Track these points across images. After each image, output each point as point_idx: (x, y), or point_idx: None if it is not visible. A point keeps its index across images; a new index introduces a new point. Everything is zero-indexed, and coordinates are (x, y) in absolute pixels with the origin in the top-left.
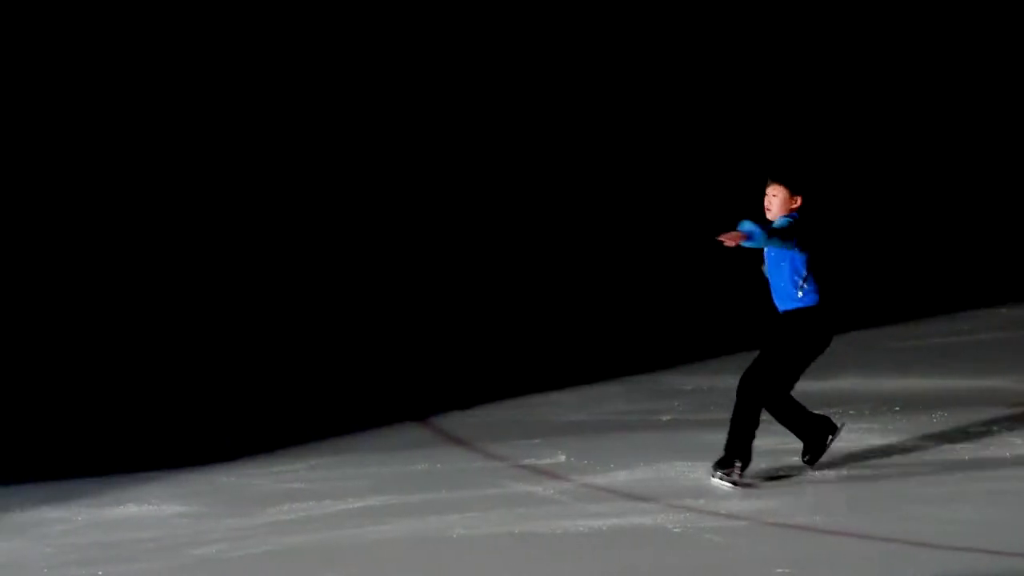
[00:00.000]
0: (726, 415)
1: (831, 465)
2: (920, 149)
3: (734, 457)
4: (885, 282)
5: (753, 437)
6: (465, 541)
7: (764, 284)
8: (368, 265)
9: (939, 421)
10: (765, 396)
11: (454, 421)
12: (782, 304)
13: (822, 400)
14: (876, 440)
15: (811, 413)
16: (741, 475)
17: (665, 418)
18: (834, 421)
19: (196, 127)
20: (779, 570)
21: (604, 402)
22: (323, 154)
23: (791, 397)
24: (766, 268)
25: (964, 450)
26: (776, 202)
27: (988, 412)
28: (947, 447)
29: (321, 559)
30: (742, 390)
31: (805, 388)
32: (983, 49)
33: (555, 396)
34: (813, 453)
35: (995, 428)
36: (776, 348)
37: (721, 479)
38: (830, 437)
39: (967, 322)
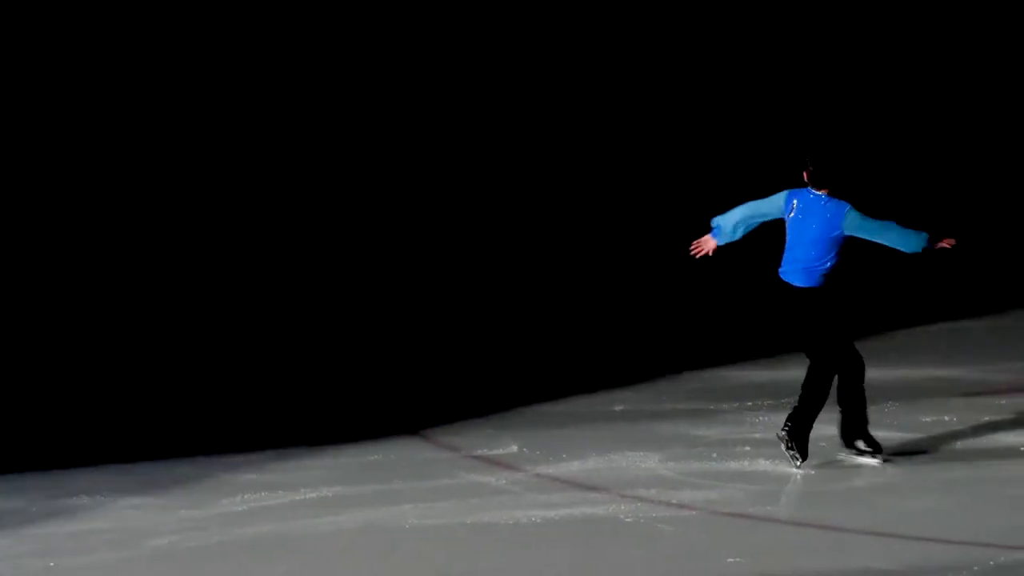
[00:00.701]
0: (678, 405)
1: (783, 455)
2: (882, 150)
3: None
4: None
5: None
6: (418, 531)
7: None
8: (330, 263)
9: (894, 411)
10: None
11: (408, 412)
12: (800, 280)
13: (778, 390)
14: (830, 430)
15: (867, 419)
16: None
17: (618, 408)
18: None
19: (193, 127)
20: (731, 559)
21: (556, 393)
22: (304, 176)
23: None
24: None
25: (917, 439)
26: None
27: (943, 401)
28: (900, 437)
29: (275, 550)
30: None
31: (761, 378)
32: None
33: (508, 387)
34: (872, 447)
35: (949, 417)
36: (813, 328)
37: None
38: (872, 453)
39: (923, 313)
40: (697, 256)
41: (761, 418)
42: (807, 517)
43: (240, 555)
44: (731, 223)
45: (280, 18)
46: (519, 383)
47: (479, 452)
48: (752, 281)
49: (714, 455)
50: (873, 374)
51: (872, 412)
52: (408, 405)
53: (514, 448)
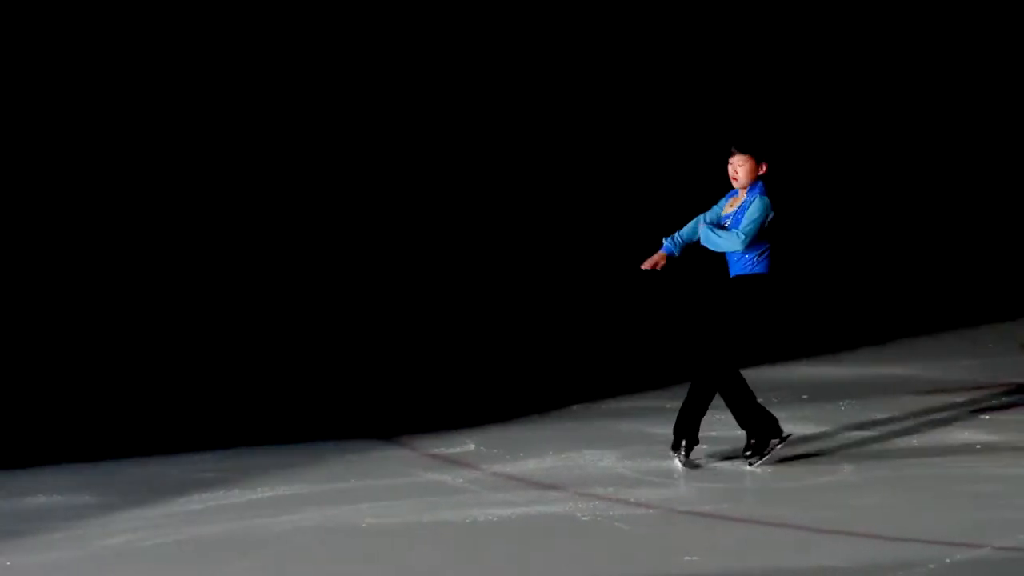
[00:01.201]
0: (635, 404)
1: (737, 454)
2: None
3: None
4: (802, 275)
5: (702, 415)
6: (375, 530)
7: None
8: (287, 264)
9: (847, 409)
10: (723, 372)
11: (365, 411)
12: (734, 269)
13: None
14: (784, 428)
15: (762, 407)
16: (687, 457)
17: (575, 407)
18: (781, 427)
19: (181, 126)
20: (688, 557)
21: (514, 392)
22: (271, 179)
23: (744, 381)
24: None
25: (871, 437)
26: (743, 171)
27: (896, 399)
28: (854, 435)
29: (232, 549)
30: (704, 368)
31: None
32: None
33: (465, 386)
34: (756, 452)
35: (902, 415)
36: (728, 316)
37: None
38: (775, 442)
39: (875, 313)
40: (649, 268)
41: (717, 416)
42: (763, 515)
43: (196, 554)
44: (684, 237)
45: (280, 18)
46: (476, 381)
47: (436, 451)
48: (707, 280)
49: (671, 454)
50: (828, 372)
51: (827, 410)
52: (365, 404)
53: (471, 447)
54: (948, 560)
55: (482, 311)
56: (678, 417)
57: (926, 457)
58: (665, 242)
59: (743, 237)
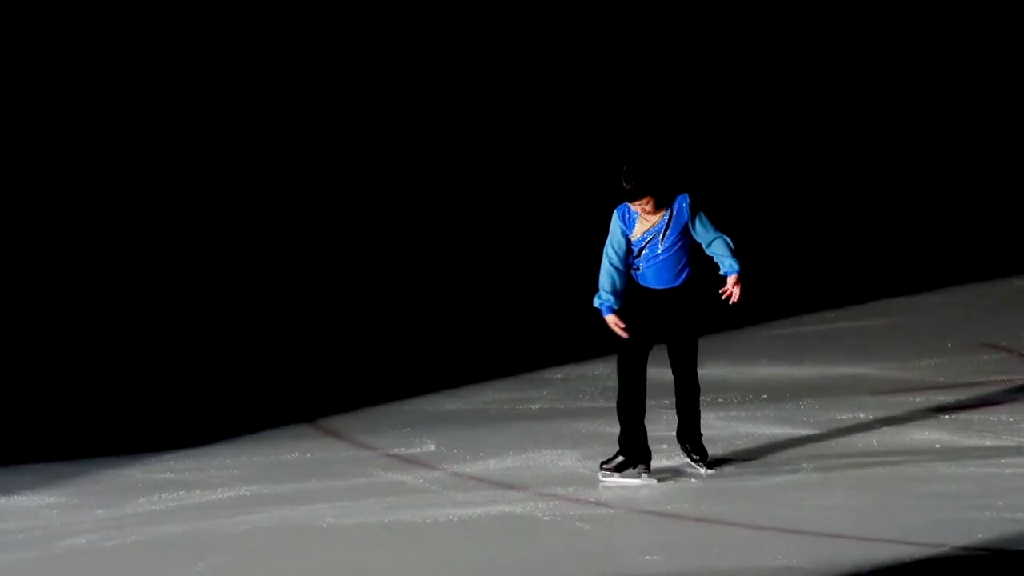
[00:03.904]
0: (595, 403)
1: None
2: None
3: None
4: (759, 274)
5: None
6: (335, 530)
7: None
8: (244, 264)
9: (807, 408)
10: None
11: (324, 411)
12: (667, 283)
13: None
14: (744, 428)
15: (644, 433)
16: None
17: (535, 407)
18: (650, 465)
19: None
20: (648, 557)
21: (474, 391)
22: (204, 175)
23: (643, 397)
24: (646, 262)
25: (831, 437)
26: (652, 205)
27: (856, 399)
28: (815, 434)
29: (192, 549)
30: (691, 378)
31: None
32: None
33: (426, 386)
34: (613, 464)
35: (862, 415)
36: (686, 322)
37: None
38: (636, 470)
39: (836, 311)
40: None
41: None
42: (724, 514)
43: (156, 554)
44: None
45: (280, 18)
46: (436, 383)
47: (396, 451)
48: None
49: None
50: (788, 372)
51: (787, 409)
52: (324, 404)
53: (431, 447)
54: (907, 560)
55: (439, 311)
56: (680, 424)
57: (886, 457)
58: (603, 308)
59: (728, 239)
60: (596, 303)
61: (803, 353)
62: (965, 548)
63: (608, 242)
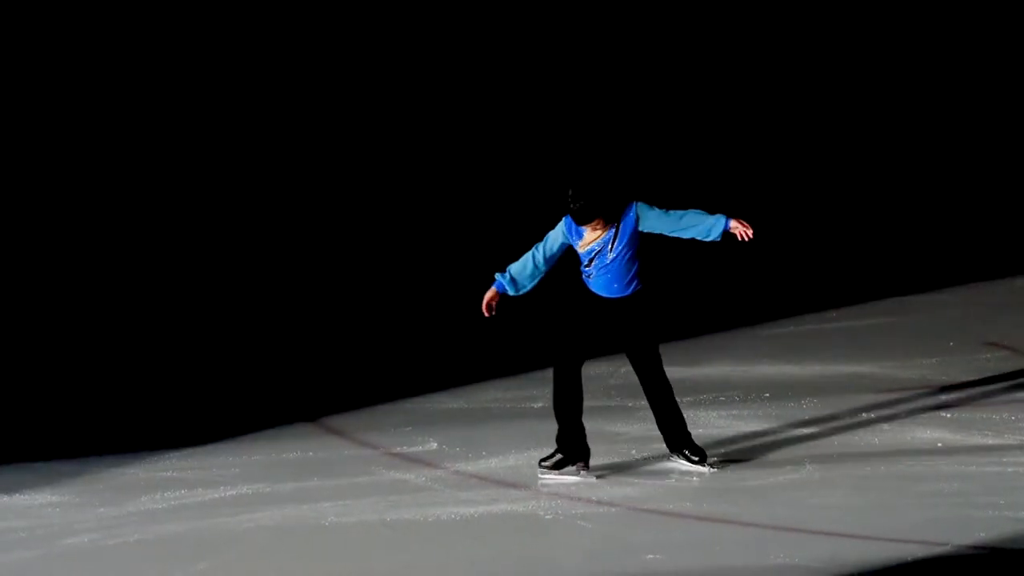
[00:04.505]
0: (596, 402)
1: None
2: (795, 144)
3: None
4: (761, 273)
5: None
6: (337, 529)
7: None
8: (249, 265)
9: (809, 407)
10: (559, 375)
11: (327, 410)
12: (620, 291)
13: (692, 387)
14: (746, 427)
15: (582, 431)
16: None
17: (537, 405)
18: (589, 463)
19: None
20: (650, 556)
21: (476, 390)
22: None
23: (580, 395)
24: (597, 270)
25: (832, 436)
26: (603, 222)
27: (857, 398)
28: (816, 433)
29: (194, 548)
30: (661, 383)
31: (674, 375)
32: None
33: (427, 384)
34: (551, 461)
35: (864, 414)
36: (641, 331)
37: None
38: (575, 467)
39: (838, 310)
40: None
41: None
42: (726, 513)
43: (158, 553)
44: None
45: (279, 18)
46: (438, 382)
47: (398, 449)
48: (659, 277)
49: (633, 452)
50: (790, 371)
51: (789, 408)
52: (326, 403)
53: (434, 445)
54: (909, 558)
55: (441, 309)
56: (665, 433)
57: (888, 455)
58: (496, 282)
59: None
60: (496, 276)
61: (805, 352)
62: (967, 547)
63: (545, 239)
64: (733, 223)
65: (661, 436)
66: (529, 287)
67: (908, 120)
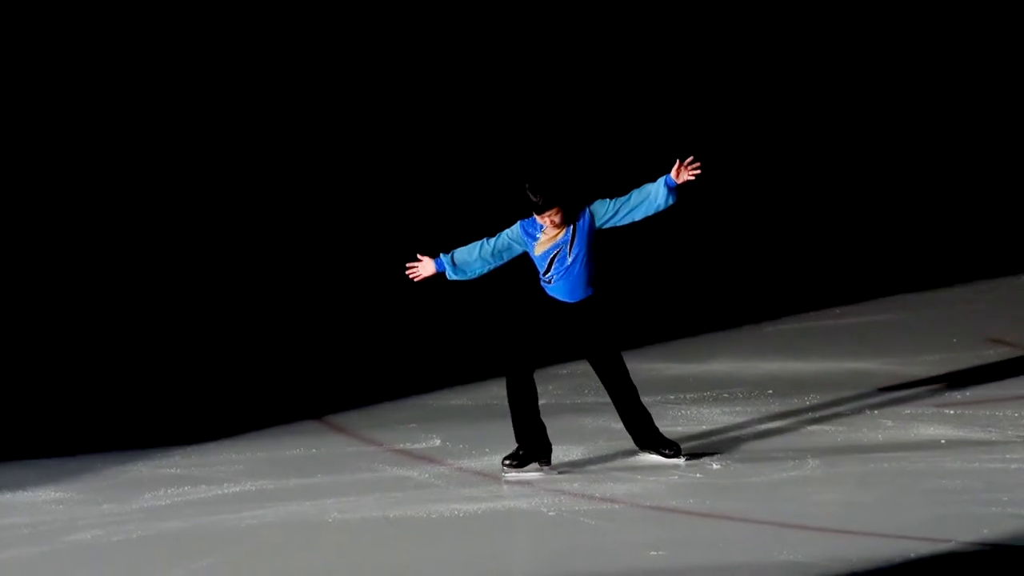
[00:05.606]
0: (601, 399)
1: (705, 449)
2: (795, 142)
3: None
4: (765, 270)
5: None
6: (340, 525)
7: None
8: (253, 263)
9: (812, 404)
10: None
11: (330, 407)
12: (580, 295)
13: (697, 384)
14: (750, 423)
15: (541, 427)
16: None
17: (540, 402)
18: (550, 456)
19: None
20: (654, 552)
21: (479, 387)
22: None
23: (535, 392)
24: (558, 275)
25: (836, 432)
26: (560, 217)
27: (861, 395)
28: (819, 429)
29: (197, 544)
30: (625, 385)
31: (679, 372)
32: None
33: (431, 381)
34: (514, 459)
35: (867, 410)
36: (600, 336)
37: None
38: (537, 463)
39: (841, 307)
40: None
41: (683, 411)
42: (729, 510)
43: (162, 550)
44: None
45: (278, 18)
46: (441, 377)
47: (401, 446)
48: (663, 274)
49: (636, 448)
50: (793, 367)
51: (792, 405)
52: (329, 400)
53: (436, 442)
54: (912, 555)
55: (444, 307)
56: (633, 433)
57: (891, 452)
58: (439, 259)
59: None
60: (441, 255)
61: (808, 349)
62: (970, 543)
63: (498, 236)
64: (674, 174)
65: (667, 433)
66: (469, 276)
67: (911, 119)
